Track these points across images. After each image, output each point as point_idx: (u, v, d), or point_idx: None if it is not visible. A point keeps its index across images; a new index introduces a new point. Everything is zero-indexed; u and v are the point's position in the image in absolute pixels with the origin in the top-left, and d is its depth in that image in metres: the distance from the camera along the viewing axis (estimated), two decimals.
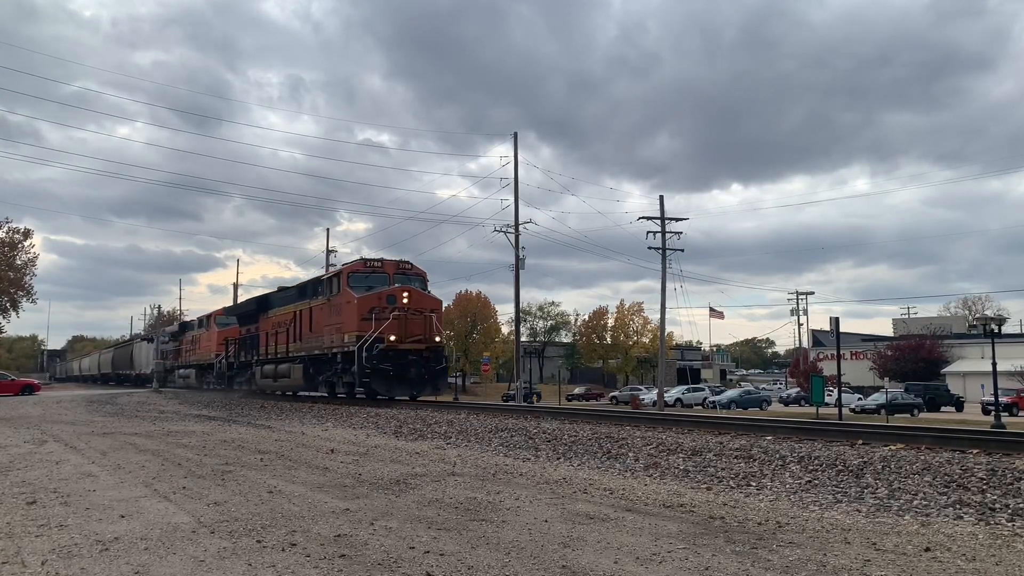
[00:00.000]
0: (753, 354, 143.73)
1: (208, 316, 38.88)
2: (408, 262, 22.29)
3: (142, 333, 76.25)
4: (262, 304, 29.57)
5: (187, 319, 66.68)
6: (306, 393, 26.20)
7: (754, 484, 6.48)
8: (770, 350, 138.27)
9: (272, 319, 27.71)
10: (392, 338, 19.57)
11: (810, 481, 6.47)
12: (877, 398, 42.31)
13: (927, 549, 4.14)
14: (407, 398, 20.67)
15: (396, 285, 20.90)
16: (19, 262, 51.15)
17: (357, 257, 22.96)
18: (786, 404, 49.89)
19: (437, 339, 20.86)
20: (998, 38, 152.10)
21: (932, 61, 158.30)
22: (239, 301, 36.54)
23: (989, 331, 33.79)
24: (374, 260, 21.84)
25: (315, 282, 24.70)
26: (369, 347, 19.30)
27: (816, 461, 7.28)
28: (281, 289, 28.81)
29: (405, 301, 20.06)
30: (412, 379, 19.90)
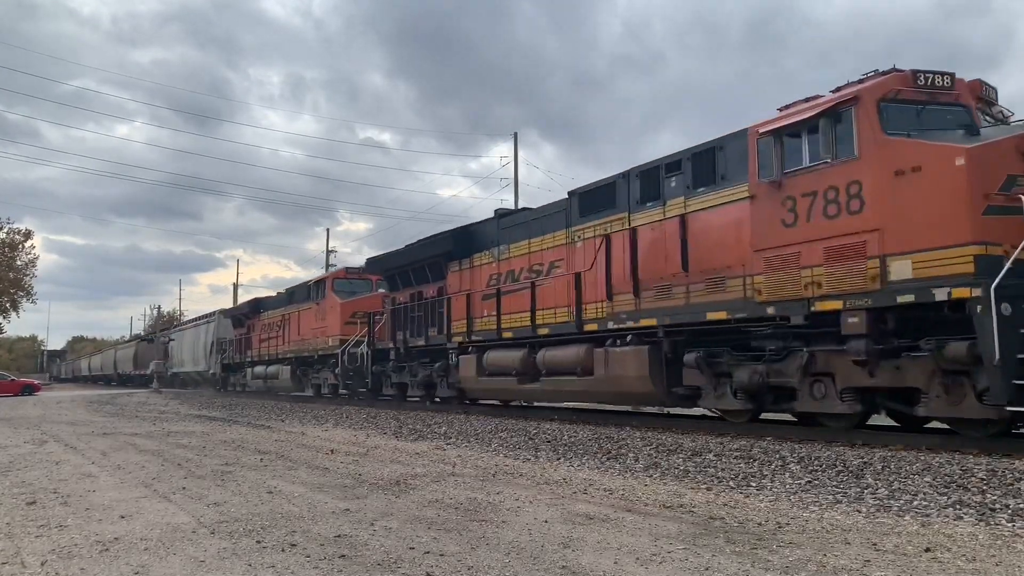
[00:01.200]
0: None
1: (318, 281, 25.51)
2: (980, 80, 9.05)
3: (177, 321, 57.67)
4: (461, 242, 16.54)
5: (186, 317, 62.23)
6: (676, 412, 13.25)
7: (754, 484, 6.48)
8: None
9: (487, 267, 15.53)
10: None
11: (810, 481, 6.47)
12: None
13: (927, 549, 4.14)
14: None
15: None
16: (19, 263, 51.28)
17: (881, 69, 9.08)
18: None
19: None
20: (1004, 36, 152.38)
21: (938, 59, 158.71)
22: (382, 253, 21.62)
23: None
24: (933, 73, 8.72)
25: (703, 154, 10.72)
26: None
27: (816, 461, 7.28)
28: (504, 213, 15.99)
29: None
30: None
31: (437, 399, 18.08)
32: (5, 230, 49.92)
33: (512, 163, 35.75)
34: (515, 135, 36.57)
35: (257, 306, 31.65)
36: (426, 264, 18.07)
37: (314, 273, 58.51)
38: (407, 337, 18.51)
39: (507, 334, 14.55)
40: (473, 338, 15.58)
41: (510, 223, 15.34)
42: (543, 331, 13.52)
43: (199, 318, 44.09)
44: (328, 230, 63.08)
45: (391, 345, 19.26)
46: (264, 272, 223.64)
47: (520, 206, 23.33)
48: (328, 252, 51.57)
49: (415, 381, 18.62)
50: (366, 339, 20.54)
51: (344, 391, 22.32)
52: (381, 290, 22.13)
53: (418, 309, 18.26)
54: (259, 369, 29.77)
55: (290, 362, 26.51)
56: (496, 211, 16.31)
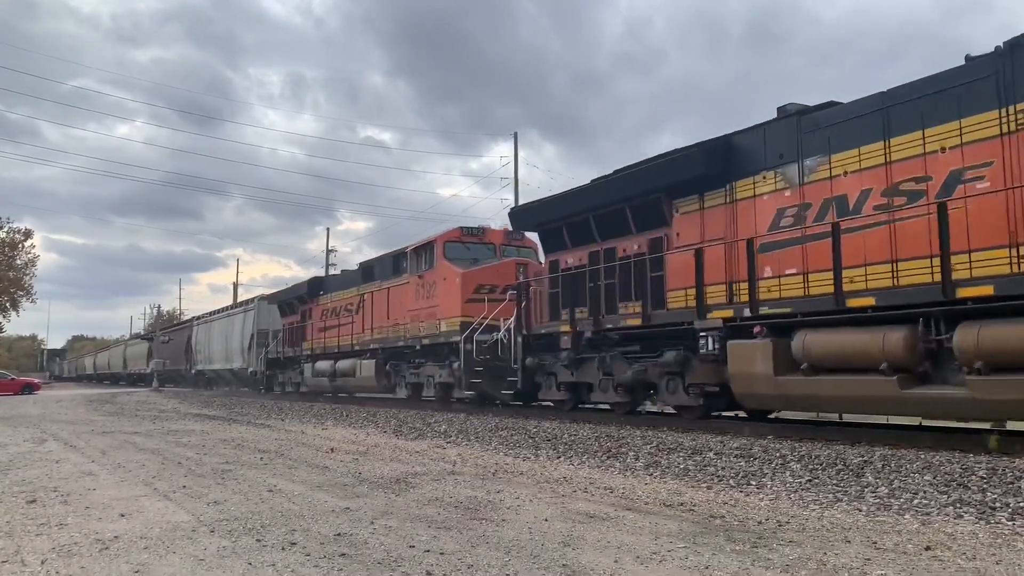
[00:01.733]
0: None
1: (420, 247, 18.58)
2: None
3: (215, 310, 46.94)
4: (715, 164, 10.62)
5: (186, 317, 60.78)
6: None
7: (754, 483, 6.47)
8: None
9: (771, 198, 9.97)
10: None
11: (810, 480, 6.47)
12: None
13: (927, 548, 4.14)
14: None
15: None
16: (19, 262, 51.37)
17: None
18: None
19: None
20: (1006, 35, 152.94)
21: (942, 58, 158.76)
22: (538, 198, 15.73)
23: None
24: None
25: None
26: None
27: (816, 460, 7.28)
28: (804, 109, 10.09)
29: None
30: None
31: (661, 410, 12.45)
32: (5, 230, 50.06)
33: (512, 163, 35.78)
34: (515, 135, 36.61)
35: (316, 287, 25.67)
36: (627, 206, 12.12)
37: (315, 272, 57.03)
38: (598, 317, 12.50)
39: (860, 301, 8.63)
40: (762, 310, 9.79)
41: (824, 121, 9.60)
42: (976, 291, 7.56)
43: (233, 306, 37.52)
44: (328, 229, 63.01)
45: (564, 328, 13.13)
46: (264, 271, 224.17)
47: (520, 204, 19.66)
48: (328, 252, 51.61)
49: (614, 381, 12.27)
50: (507, 321, 14.86)
51: (468, 393, 16.02)
52: (508, 256, 17.26)
53: (609, 274, 12.41)
54: (323, 365, 23.22)
55: (373, 354, 20.42)
56: (783, 108, 10.46)
